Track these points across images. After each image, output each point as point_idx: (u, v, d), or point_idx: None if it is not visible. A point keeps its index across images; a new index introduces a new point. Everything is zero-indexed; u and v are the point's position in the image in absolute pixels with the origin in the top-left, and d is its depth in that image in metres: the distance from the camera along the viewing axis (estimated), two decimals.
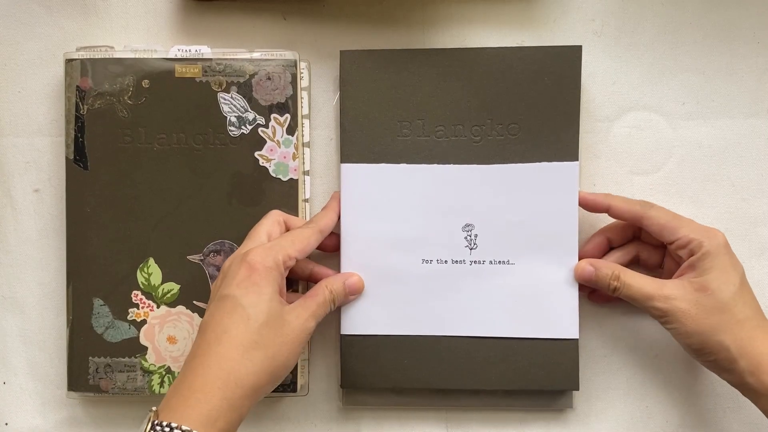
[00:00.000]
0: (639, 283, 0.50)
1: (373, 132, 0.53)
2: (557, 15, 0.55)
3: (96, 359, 0.54)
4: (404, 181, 0.53)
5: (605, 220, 0.54)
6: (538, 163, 0.52)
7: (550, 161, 0.52)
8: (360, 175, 0.53)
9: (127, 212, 0.53)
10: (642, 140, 0.55)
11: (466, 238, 0.53)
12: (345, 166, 0.53)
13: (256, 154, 0.53)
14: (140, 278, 0.54)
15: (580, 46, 0.52)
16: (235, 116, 0.53)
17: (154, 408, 0.43)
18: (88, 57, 0.53)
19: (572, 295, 0.53)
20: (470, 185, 0.53)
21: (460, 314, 0.53)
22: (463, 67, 0.53)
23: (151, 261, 0.53)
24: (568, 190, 0.52)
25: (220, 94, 0.53)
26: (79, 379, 0.54)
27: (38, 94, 0.56)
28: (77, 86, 0.53)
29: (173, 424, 0.41)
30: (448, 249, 0.53)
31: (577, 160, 0.52)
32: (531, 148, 0.52)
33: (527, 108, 0.52)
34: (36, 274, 0.56)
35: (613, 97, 0.55)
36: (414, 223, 0.53)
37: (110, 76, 0.53)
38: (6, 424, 0.57)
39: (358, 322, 0.54)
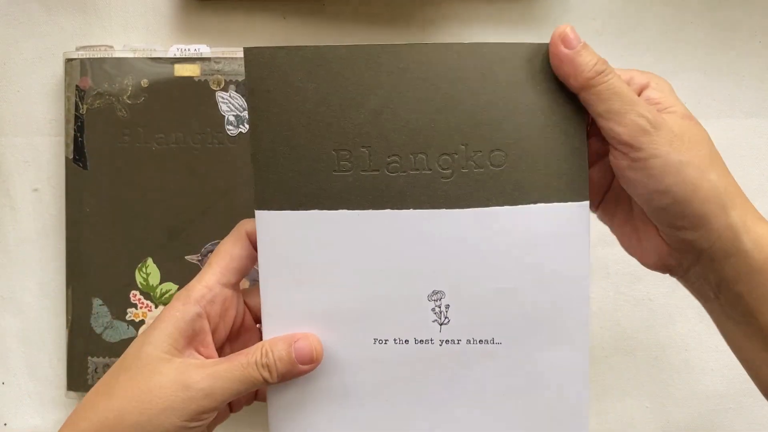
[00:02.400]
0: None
1: (299, 166, 0.38)
2: (558, 14, 0.55)
3: (95, 359, 0.54)
4: (345, 233, 0.38)
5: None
6: (532, 205, 0.38)
7: (550, 202, 0.38)
8: (282, 227, 0.38)
9: (126, 212, 0.53)
10: None
11: (433, 309, 0.39)
12: (261, 215, 0.38)
13: None
14: (139, 278, 0.54)
15: None
16: (233, 115, 0.53)
17: None
18: (88, 56, 0.53)
19: (581, 386, 0.39)
20: (437, 238, 0.38)
21: (429, 413, 0.39)
22: (426, 72, 0.37)
23: (150, 261, 0.53)
24: (575, 242, 0.38)
25: (219, 93, 0.53)
26: (78, 379, 0.54)
27: (37, 94, 0.56)
28: (77, 86, 0.53)
29: None
30: (409, 325, 0.39)
31: (587, 199, 0.38)
32: (522, 185, 0.38)
33: (515, 128, 0.37)
34: (35, 274, 0.56)
35: None
36: (359, 290, 0.39)
37: (109, 76, 0.53)
38: (5, 424, 0.57)
39: (289, 421, 0.39)
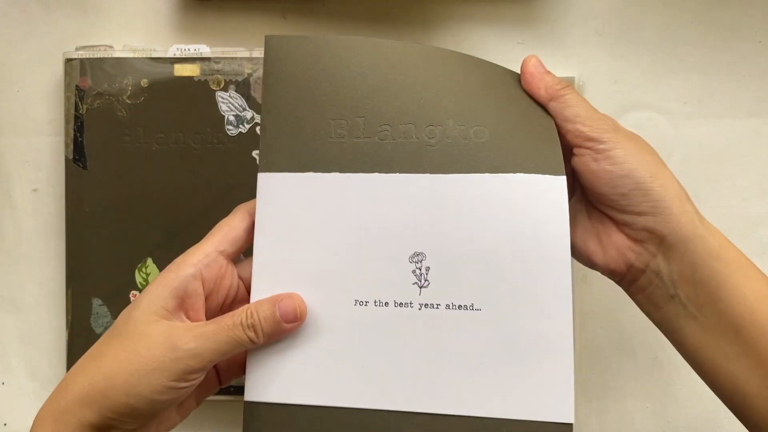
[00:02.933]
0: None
1: (300, 133, 0.41)
2: (558, 14, 0.55)
3: None
4: (335, 195, 0.41)
5: None
6: (513, 174, 0.40)
7: (529, 173, 0.40)
8: (280, 187, 0.41)
9: (126, 212, 0.53)
10: None
11: (414, 272, 0.40)
12: (263, 176, 0.41)
13: (254, 153, 0.53)
14: (139, 278, 0.53)
15: None
16: (233, 115, 0.53)
17: None
18: (88, 56, 0.53)
19: (564, 357, 0.38)
20: (421, 201, 0.40)
21: (406, 380, 0.39)
22: (422, 64, 0.42)
23: (150, 261, 0.53)
24: (555, 212, 0.39)
25: (219, 93, 0.53)
26: None
27: (37, 94, 0.56)
28: (76, 86, 0.53)
29: None
30: (389, 287, 0.39)
31: (563, 174, 0.40)
32: (504, 155, 0.40)
33: (497, 112, 0.41)
34: (35, 274, 0.56)
35: (614, 97, 0.55)
36: (345, 251, 0.40)
37: (109, 76, 0.53)
38: (5, 424, 0.57)
39: (267, 385, 0.40)
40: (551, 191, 0.40)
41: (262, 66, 0.52)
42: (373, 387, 0.39)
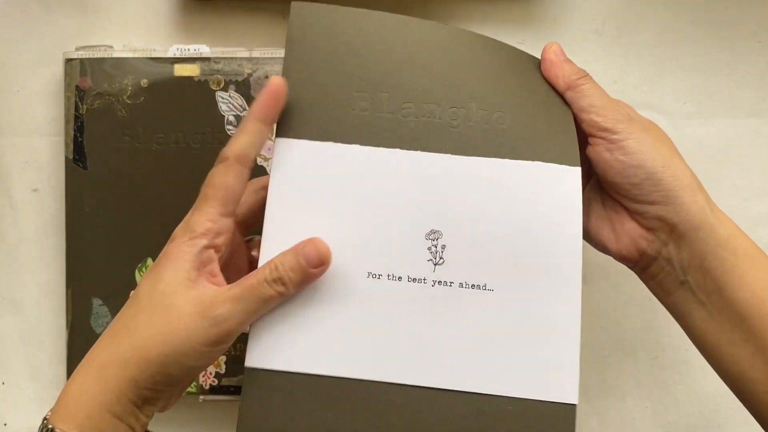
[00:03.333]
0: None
1: (322, 102, 0.41)
2: (557, 14, 0.55)
3: None
4: (354, 167, 0.40)
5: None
6: (531, 162, 0.41)
7: (546, 162, 0.41)
8: (298, 154, 0.40)
9: (126, 212, 0.53)
10: None
11: (429, 249, 0.40)
12: (280, 141, 0.41)
13: None
14: (139, 278, 0.53)
15: None
16: (233, 115, 0.53)
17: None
18: (88, 56, 0.53)
19: (571, 340, 0.39)
20: (441, 180, 0.40)
21: (414, 354, 0.39)
22: (449, 44, 0.42)
23: (150, 261, 0.53)
24: (570, 201, 0.41)
25: (219, 93, 0.53)
26: None
27: (37, 94, 0.56)
28: (76, 86, 0.53)
29: (49, 425, 0.37)
30: (404, 262, 0.40)
31: (579, 165, 0.41)
32: (523, 143, 0.41)
33: (518, 99, 0.42)
34: (35, 274, 0.56)
35: (613, 96, 0.55)
36: (361, 222, 0.40)
37: (109, 76, 0.53)
38: (5, 424, 0.57)
39: (270, 350, 0.39)
40: (566, 181, 0.41)
41: (261, 66, 0.53)
42: (380, 360, 0.39)
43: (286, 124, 0.41)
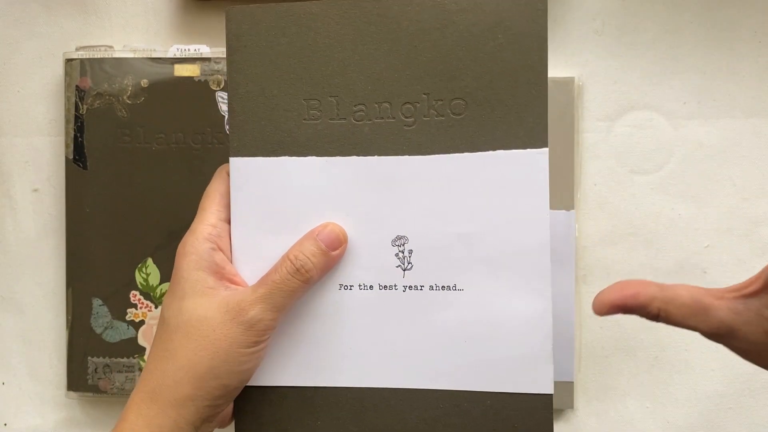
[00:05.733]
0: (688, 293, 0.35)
1: (272, 115, 0.40)
2: (557, 14, 0.55)
3: (95, 359, 0.54)
4: (312, 179, 0.40)
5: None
6: (492, 152, 0.39)
7: (509, 149, 0.39)
8: (254, 173, 0.40)
9: (126, 212, 0.53)
10: (643, 140, 0.55)
11: (397, 255, 0.40)
12: (235, 161, 0.40)
13: None
14: (139, 278, 0.53)
15: None
16: None
17: None
18: (88, 57, 0.53)
19: (544, 333, 0.39)
20: (401, 184, 0.39)
21: (392, 359, 0.40)
22: (389, 24, 0.39)
23: (150, 261, 0.53)
24: (535, 188, 0.39)
25: (219, 93, 0.53)
26: (78, 379, 0.54)
27: (37, 94, 0.56)
28: (76, 86, 0.53)
29: None
30: (373, 270, 0.40)
31: (546, 146, 0.39)
32: (482, 132, 0.39)
33: (475, 78, 0.39)
34: (35, 274, 0.56)
35: (613, 96, 0.55)
36: None
37: (109, 76, 0.53)
38: (5, 424, 0.57)
39: (258, 369, 0.41)
40: (531, 166, 0.39)
41: None
42: (360, 367, 0.40)
43: (238, 141, 0.40)
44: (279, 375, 0.40)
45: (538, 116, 0.39)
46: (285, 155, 0.40)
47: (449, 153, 0.39)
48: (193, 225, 0.40)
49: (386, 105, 0.40)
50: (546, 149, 0.39)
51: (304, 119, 0.40)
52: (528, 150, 0.39)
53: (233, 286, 0.40)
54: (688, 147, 0.55)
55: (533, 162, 0.39)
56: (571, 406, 0.55)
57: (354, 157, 0.40)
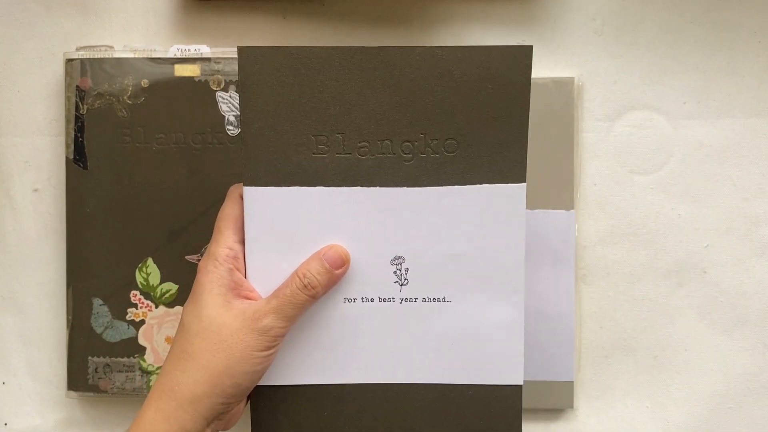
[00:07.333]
0: None
1: (283, 149, 0.44)
2: (557, 14, 0.55)
3: (95, 359, 0.54)
4: (321, 206, 0.45)
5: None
6: (478, 186, 0.45)
7: (493, 183, 0.45)
8: (267, 201, 0.45)
9: (127, 212, 0.53)
10: (643, 140, 0.55)
11: (395, 272, 0.46)
12: (249, 190, 0.45)
13: None
14: (139, 278, 0.54)
15: (531, 47, 0.44)
16: (233, 115, 0.53)
17: None
18: (88, 57, 0.53)
19: (517, 336, 0.46)
20: (399, 212, 0.45)
21: (389, 359, 0.47)
22: (392, 71, 0.44)
23: (150, 261, 0.53)
24: (513, 217, 0.45)
25: (219, 93, 0.53)
26: (78, 378, 0.54)
27: (38, 94, 0.56)
28: (77, 86, 0.53)
29: None
30: (374, 286, 0.46)
31: (524, 181, 0.45)
32: (471, 168, 0.45)
33: (467, 121, 0.44)
34: (35, 274, 0.56)
35: (613, 96, 0.55)
36: None
37: (110, 76, 0.53)
38: (5, 424, 0.57)
39: (273, 369, 0.46)
40: (511, 198, 0.45)
41: None
42: (361, 366, 0.47)
43: (252, 173, 0.44)
44: (292, 375, 0.46)
45: (518, 155, 0.45)
46: (295, 185, 0.45)
47: (442, 185, 0.45)
48: (212, 247, 0.45)
49: (387, 142, 0.45)
50: (524, 184, 0.45)
51: (313, 153, 0.45)
52: (509, 184, 0.45)
53: (249, 301, 0.44)
54: (688, 147, 0.55)
55: (513, 195, 0.45)
56: (571, 406, 0.55)
57: (358, 188, 0.45)
